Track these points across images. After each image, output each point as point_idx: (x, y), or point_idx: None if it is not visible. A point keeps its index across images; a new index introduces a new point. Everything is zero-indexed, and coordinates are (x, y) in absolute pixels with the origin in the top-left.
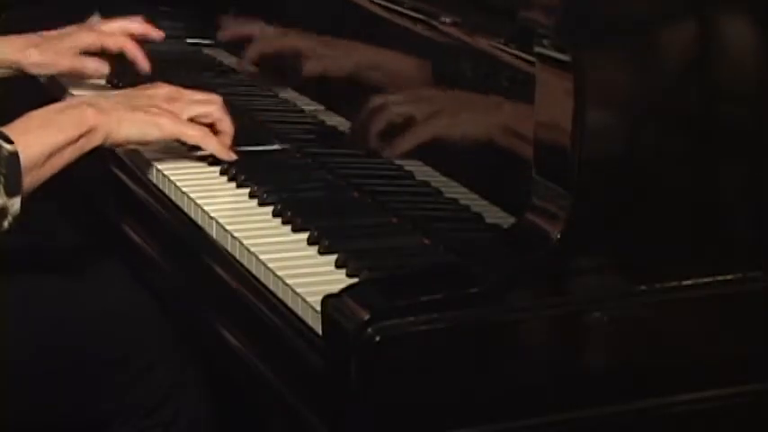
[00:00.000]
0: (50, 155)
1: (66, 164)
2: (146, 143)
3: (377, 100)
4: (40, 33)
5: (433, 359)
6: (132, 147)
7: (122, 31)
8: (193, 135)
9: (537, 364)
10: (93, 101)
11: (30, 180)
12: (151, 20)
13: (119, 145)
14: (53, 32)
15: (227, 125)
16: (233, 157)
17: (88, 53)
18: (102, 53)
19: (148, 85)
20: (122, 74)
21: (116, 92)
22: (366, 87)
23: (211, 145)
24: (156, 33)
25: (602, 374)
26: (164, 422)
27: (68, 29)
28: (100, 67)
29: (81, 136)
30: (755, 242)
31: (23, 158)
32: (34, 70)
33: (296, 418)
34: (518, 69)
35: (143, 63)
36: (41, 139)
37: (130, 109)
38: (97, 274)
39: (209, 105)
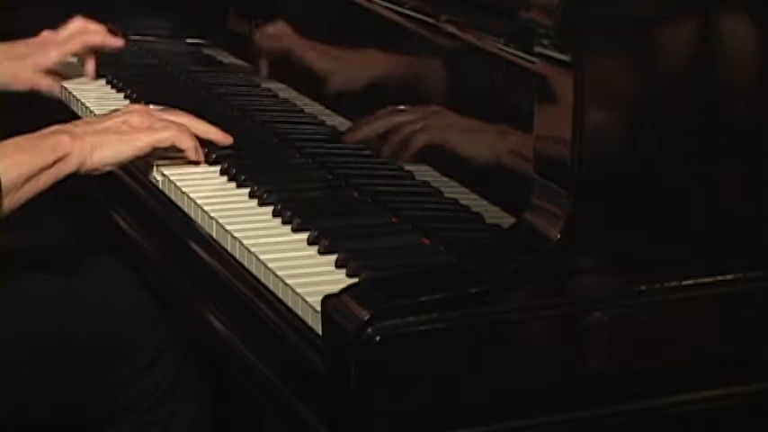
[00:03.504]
0: (27, 179)
1: (41, 189)
2: (122, 163)
3: (376, 100)
4: (4, 46)
5: (433, 359)
6: (110, 169)
7: (80, 31)
8: (168, 137)
9: (537, 364)
10: (66, 128)
11: (7, 203)
12: (151, 20)
13: (95, 170)
14: (14, 46)
15: (200, 127)
16: (201, 157)
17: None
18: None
19: (122, 108)
20: (109, 64)
21: (88, 119)
22: (366, 87)
23: (185, 143)
24: (114, 42)
25: (602, 374)
26: (162, 420)
27: (32, 42)
28: (52, 87)
29: (56, 161)
30: (756, 242)
31: (4, 181)
32: None
33: (296, 418)
34: (518, 69)
35: (111, 41)
36: (19, 163)
37: (102, 132)
38: (96, 273)
39: (179, 117)
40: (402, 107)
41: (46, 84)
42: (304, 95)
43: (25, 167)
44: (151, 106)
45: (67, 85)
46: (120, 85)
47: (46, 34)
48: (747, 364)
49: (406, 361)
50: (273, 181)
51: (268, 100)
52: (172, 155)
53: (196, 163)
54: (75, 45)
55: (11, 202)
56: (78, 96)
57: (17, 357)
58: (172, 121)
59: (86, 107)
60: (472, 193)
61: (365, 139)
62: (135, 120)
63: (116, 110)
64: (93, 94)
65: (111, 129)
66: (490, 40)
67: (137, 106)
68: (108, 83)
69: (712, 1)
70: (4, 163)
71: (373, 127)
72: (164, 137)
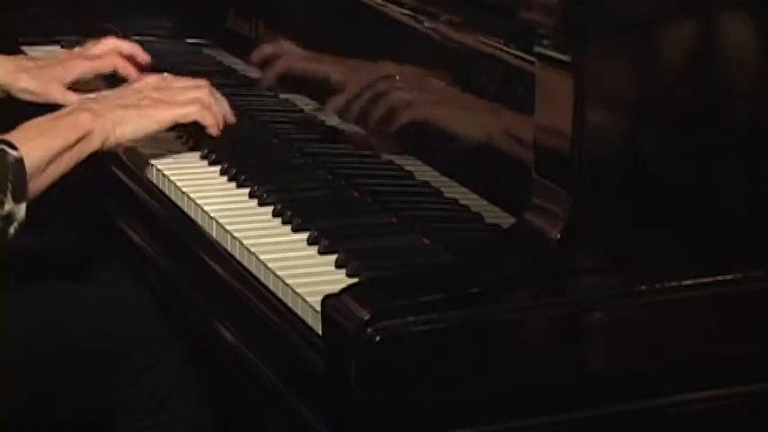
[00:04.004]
0: (50, 161)
1: (65, 170)
2: (144, 137)
3: (376, 100)
4: (32, 58)
5: (433, 359)
6: (132, 144)
7: (112, 51)
8: (190, 112)
9: (537, 364)
10: (86, 106)
11: (32, 187)
12: (151, 20)
13: (118, 146)
14: (44, 59)
15: (216, 109)
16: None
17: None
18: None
19: (139, 77)
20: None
21: (106, 92)
22: (366, 88)
23: (207, 118)
24: (142, 57)
25: (602, 374)
26: (163, 422)
27: (60, 55)
28: (66, 100)
29: (78, 141)
30: (756, 242)
31: (27, 165)
32: (22, 96)
33: (296, 418)
34: (518, 69)
35: (134, 76)
36: (41, 146)
37: (123, 108)
38: (97, 273)
39: (199, 90)
40: (402, 107)
41: (69, 99)
42: (304, 95)
43: (48, 150)
44: (166, 74)
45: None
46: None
47: (77, 50)
48: (747, 364)
49: (406, 361)
50: (273, 181)
51: (268, 100)
52: (172, 154)
53: (197, 163)
54: (107, 66)
55: (35, 185)
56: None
57: (17, 358)
58: (193, 97)
59: None
60: (472, 193)
61: (364, 138)
62: (154, 93)
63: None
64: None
65: (132, 104)
66: (490, 40)
67: (153, 77)
68: (113, 86)
69: (712, 1)
70: (27, 147)
71: (373, 126)
72: (186, 112)
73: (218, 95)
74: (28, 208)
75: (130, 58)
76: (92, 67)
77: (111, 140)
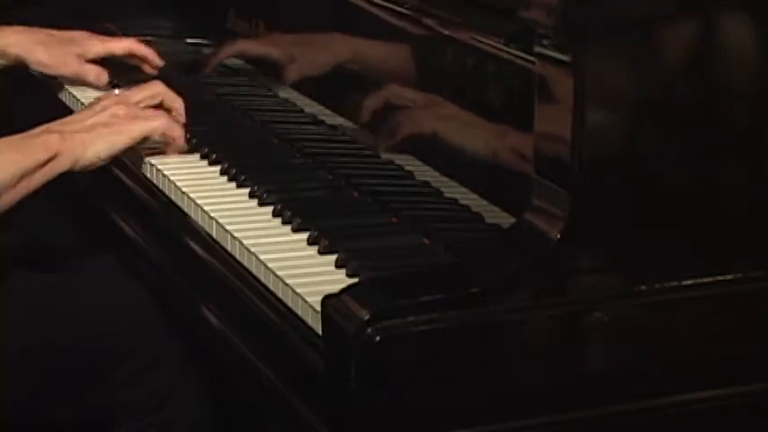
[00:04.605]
0: (21, 177)
1: (34, 188)
2: (116, 155)
3: (377, 100)
4: (47, 31)
5: (433, 359)
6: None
7: (128, 41)
8: (159, 125)
9: (537, 364)
10: (54, 128)
11: (2, 202)
12: (151, 20)
13: (91, 165)
14: (62, 33)
15: (173, 99)
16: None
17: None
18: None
19: (96, 99)
20: (124, 77)
21: (71, 116)
22: (366, 87)
23: (175, 131)
24: (156, 61)
25: (602, 374)
26: (163, 422)
27: (76, 33)
28: (99, 75)
29: (48, 160)
30: (755, 242)
31: None
32: (37, 68)
33: (296, 418)
34: (518, 69)
35: (154, 59)
36: (13, 161)
37: (91, 128)
38: (96, 273)
39: (153, 87)
40: (402, 107)
41: (94, 72)
42: (304, 95)
43: (20, 165)
44: (116, 91)
45: (70, 88)
46: (122, 86)
47: (88, 33)
48: (747, 364)
49: (406, 361)
50: (273, 181)
51: (268, 100)
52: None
53: (197, 163)
54: (121, 47)
55: (6, 199)
56: (82, 100)
57: (17, 358)
58: (158, 111)
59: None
60: (472, 193)
61: (365, 138)
62: (121, 110)
63: (93, 102)
64: (95, 96)
65: (101, 122)
66: (490, 40)
67: (114, 97)
68: (108, 83)
69: (712, 1)
70: None
71: (373, 127)
72: (155, 125)
73: (173, 95)
74: (22, 210)
75: (143, 62)
76: (105, 48)
77: (83, 161)
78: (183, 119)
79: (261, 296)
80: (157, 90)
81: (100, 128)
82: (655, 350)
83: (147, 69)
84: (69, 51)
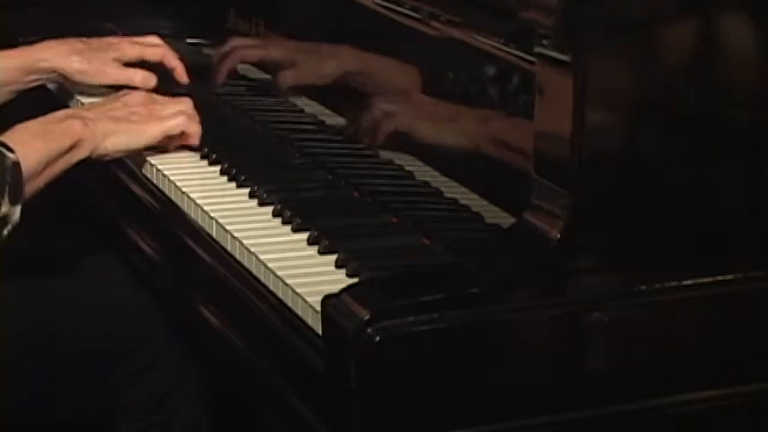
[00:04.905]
0: (46, 165)
1: (57, 175)
2: (133, 151)
3: (377, 100)
4: (81, 39)
5: (433, 359)
6: (120, 156)
7: (159, 43)
8: (177, 123)
9: (537, 364)
10: (78, 113)
11: (27, 189)
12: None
13: (106, 155)
14: (94, 40)
15: (196, 125)
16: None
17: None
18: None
19: (124, 92)
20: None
21: (95, 103)
22: (366, 87)
23: (193, 128)
24: (183, 77)
25: (602, 374)
26: (163, 421)
27: (109, 39)
28: (147, 79)
29: (70, 147)
30: (755, 242)
31: (24, 168)
32: (78, 78)
33: (296, 418)
34: (518, 69)
35: (182, 74)
36: (37, 149)
37: (114, 120)
38: (97, 274)
39: (182, 103)
40: (402, 107)
41: (140, 75)
42: (304, 95)
43: (44, 154)
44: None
45: (80, 98)
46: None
47: (120, 38)
48: (747, 364)
49: (406, 361)
50: (273, 181)
51: (268, 100)
52: (172, 155)
53: (197, 163)
54: (155, 54)
55: (31, 188)
56: (80, 99)
57: (17, 358)
58: (178, 110)
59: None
60: (472, 193)
61: (364, 138)
62: (143, 109)
63: (120, 93)
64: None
65: (123, 117)
66: (490, 40)
67: (139, 92)
68: (112, 87)
69: (712, 1)
70: (24, 149)
71: (373, 127)
72: (173, 124)
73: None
74: (23, 210)
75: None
76: (141, 52)
77: (101, 150)
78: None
79: (261, 296)
80: (185, 100)
81: (123, 122)
82: (655, 350)
83: (175, 81)
84: (106, 57)
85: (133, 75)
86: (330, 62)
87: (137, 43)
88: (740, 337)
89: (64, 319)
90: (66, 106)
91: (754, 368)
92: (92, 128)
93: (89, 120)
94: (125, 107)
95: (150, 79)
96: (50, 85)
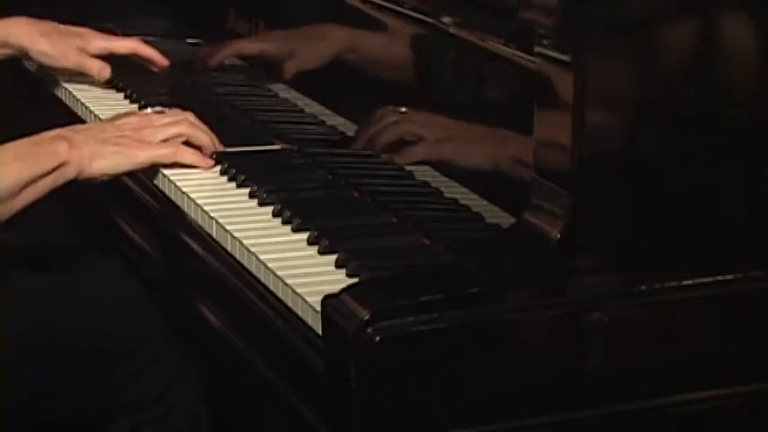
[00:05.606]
0: (24, 187)
1: (39, 195)
2: (119, 175)
3: (376, 100)
4: (51, 23)
5: (433, 359)
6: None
7: (131, 41)
8: (166, 154)
9: (537, 364)
10: (67, 135)
11: (3, 210)
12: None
13: (93, 178)
14: (66, 26)
15: (202, 138)
16: (210, 163)
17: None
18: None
19: (120, 115)
20: (123, 75)
21: (87, 125)
22: (367, 87)
23: (187, 157)
24: (161, 61)
25: (602, 374)
26: (163, 421)
27: (81, 29)
28: (102, 70)
29: (54, 169)
30: (755, 242)
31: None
32: (40, 58)
33: (296, 418)
34: (518, 69)
35: (160, 60)
36: (16, 172)
37: (101, 142)
38: (96, 273)
39: (179, 125)
40: (402, 107)
41: (97, 67)
42: (304, 95)
43: (23, 175)
44: (149, 110)
45: (67, 84)
46: (121, 85)
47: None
48: (747, 364)
49: (406, 361)
50: (273, 181)
51: (268, 100)
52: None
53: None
54: (124, 47)
55: (7, 208)
56: (78, 96)
57: (17, 357)
58: (173, 134)
59: (86, 106)
60: (472, 193)
61: (365, 140)
62: (134, 133)
63: (116, 116)
64: (91, 93)
65: (111, 140)
66: (490, 40)
67: (135, 116)
68: (108, 83)
69: (712, 1)
70: (2, 170)
71: (373, 128)
72: (163, 153)
73: (202, 126)
74: (23, 210)
75: (148, 62)
76: (109, 46)
77: (87, 173)
78: (213, 148)
79: (261, 296)
80: (183, 119)
81: (110, 145)
82: (655, 350)
83: (153, 69)
84: (72, 44)
85: (91, 65)
86: (329, 62)
87: (106, 38)
88: (740, 337)
89: (64, 318)
90: (53, 94)
91: (754, 368)
92: (78, 151)
93: (77, 142)
94: (116, 130)
95: (105, 71)
96: (29, 65)
